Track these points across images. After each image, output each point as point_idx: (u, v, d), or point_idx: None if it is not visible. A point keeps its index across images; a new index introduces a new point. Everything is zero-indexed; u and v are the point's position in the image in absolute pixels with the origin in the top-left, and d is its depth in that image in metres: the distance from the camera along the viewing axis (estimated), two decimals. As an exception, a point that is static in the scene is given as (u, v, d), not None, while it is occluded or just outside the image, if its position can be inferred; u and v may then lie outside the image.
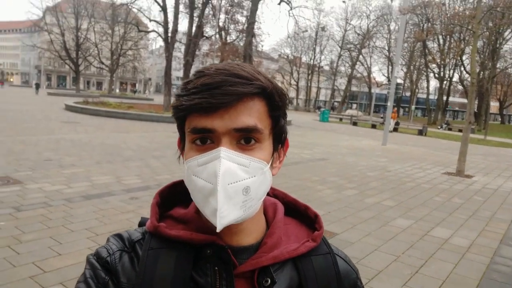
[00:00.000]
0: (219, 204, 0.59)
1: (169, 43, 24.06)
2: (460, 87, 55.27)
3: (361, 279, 0.80)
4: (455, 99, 71.42)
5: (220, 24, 33.90)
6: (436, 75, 49.15)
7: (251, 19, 25.48)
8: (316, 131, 22.69)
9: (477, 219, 6.35)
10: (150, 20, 28.65)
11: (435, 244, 4.99)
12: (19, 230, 4.25)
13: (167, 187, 0.77)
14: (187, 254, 0.66)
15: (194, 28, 25.18)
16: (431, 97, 54.78)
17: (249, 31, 25.40)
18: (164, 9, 24.24)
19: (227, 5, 33.31)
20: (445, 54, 43.45)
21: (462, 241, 5.20)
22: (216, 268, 0.66)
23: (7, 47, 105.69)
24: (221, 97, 0.60)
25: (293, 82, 66.50)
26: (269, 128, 0.66)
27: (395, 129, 27.07)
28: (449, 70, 48.90)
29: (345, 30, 59.98)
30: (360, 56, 59.14)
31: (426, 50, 47.04)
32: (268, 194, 0.74)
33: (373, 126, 30.25)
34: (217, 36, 33.91)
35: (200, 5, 25.95)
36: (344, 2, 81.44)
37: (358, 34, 58.94)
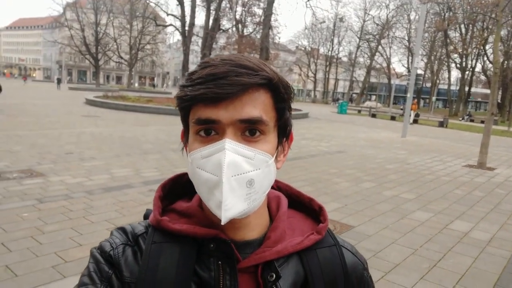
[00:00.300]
0: (224, 196, 0.58)
1: (186, 36, 24.18)
2: (483, 77, 53.85)
3: (369, 271, 0.79)
4: (477, 89, 69.51)
5: (237, 16, 33.86)
6: (458, 65, 47.91)
7: (268, 11, 25.31)
8: (334, 123, 22.49)
9: (498, 213, 6.20)
10: (168, 14, 28.86)
11: (454, 238, 4.91)
12: (41, 221, 4.38)
13: (170, 180, 0.76)
14: (190, 248, 0.66)
15: (211, 22, 25.22)
16: (452, 88, 53.47)
17: (266, 23, 25.24)
18: (181, 2, 24.35)
19: (244, -3, 33.20)
20: (467, 43, 42.29)
21: (483, 235, 5.10)
22: (220, 262, 0.65)
23: (29, 43, 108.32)
24: (227, 87, 0.59)
25: (310, 74, 66.00)
26: (274, 121, 0.65)
27: (415, 121, 26.56)
28: (472, 60, 47.60)
29: (364, 21, 59.10)
30: (379, 47, 58.20)
31: (448, 40, 45.87)
32: (272, 187, 0.73)
33: (393, 118, 29.74)
34: (234, 29, 33.85)
35: (216, -2, 25.94)
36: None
37: (377, 25, 57.97)
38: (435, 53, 51.64)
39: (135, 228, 0.71)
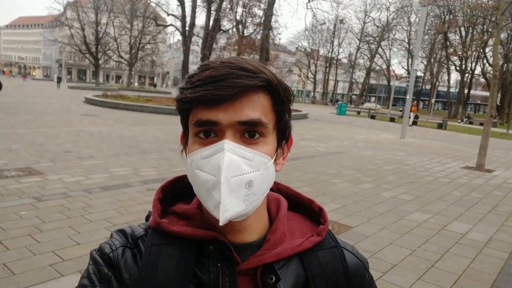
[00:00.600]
0: (222, 197, 0.59)
1: (186, 37, 24.20)
2: (482, 80, 53.90)
3: (369, 270, 0.79)
4: (476, 92, 69.56)
5: (238, 17, 33.89)
6: (458, 67, 47.96)
7: (269, 12, 25.34)
8: (333, 124, 22.51)
9: (496, 214, 6.21)
10: (168, 14, 28.92)
11: (452, 239, 4.92)
12: (39, 219, 4.38)
13: (169, 182, 0.77)
14: (190, 250, 0.66)
15: (211, 22, 25.26)
16: (452, 90, 53.53)
17: (266, 24, 25.28)
18: (181, 3, 24.38)
19: (244, -2, 33.23)
20: (467, 46, 42.35)
21: (480, 236, 5.11)
22: (219, 264, 0.65)
23: (29, 42, 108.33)
24: (226, 89, 0.59)
25: (310, 75, 66.02)
26: (273, 123, 0.65)
27: (414, 123, 26.58)
28: (471, 63, 47.65)
29: (364, 23, 59.13)
30: (379, 49, 58.26)
31: (448, 42, 45.95)
32: (271, 189, 0.74)
33: (392, 120, 29.78)
34: (234, 29, 33.87)
35: (217, -1, 25.97)
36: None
37: (377, 27, 58.01)
38: (435, 55, 51.71)
39: (135, 230, 0.71)
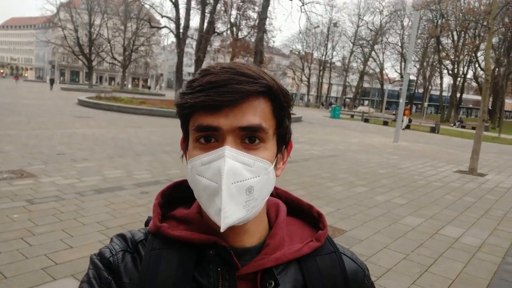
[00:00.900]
0: (223, 204, 0.59)
1: (180, 39, 24.16)
2: (474, 84, 54.45)
3: (370, 276, 0.79)
4: (469, 96, 70.28)
5: (232, 20, 33.92)
6: (450, 71, 48.41)
7: (263, 15, 25.39)
8: (327, 127, 22.59)
9: (489, 218, 6.27)
10: (162, 16, 28.80)
11: (445, 243, 4.94)
12: (32, 222, 4.33)
13: (169, 188, 0.77)
14: (190, 255, 0.66)
15: (205, 24, 25.24)
16: (444, 94, 54.00)
17: (261, 27, 25.33)
18: (176, 5, 24.35)
19: (239, 1, 33.36)
20: (459, 50, 42.74)
21: (473, 240, 5.14)
22: (219, 269, 0.65)
23: (21, 43, 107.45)
24: (227, 95, 0.59)
25: (304, 78, 66.24)
26: (274, 128, 0.65)
27: (407, 127, 26.74)
28: (463, 67, 48.14)
29: (358, 26, 59.53)
30: (373, 52, 58.68)
31: (440, 46, 46.37)
32: (271, 194, 0.74)
33: (385, 123, 29.94)
34: (229, 32, 33.92)
35: (211, 1, 25.98)
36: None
37: (371, 30, 58.46)
38: (427, 59, 52.16)
39: (135, 235, 0.71)
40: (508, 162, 14.07)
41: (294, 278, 0.68)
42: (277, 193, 0.80)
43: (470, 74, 50.01)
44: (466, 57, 44.97)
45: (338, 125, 25.11)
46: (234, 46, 33.18)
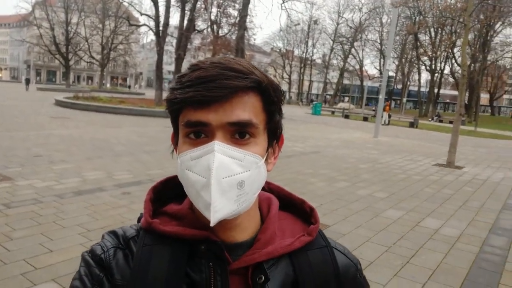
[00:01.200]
0: (213, 198, 0.59)
1: (160, 37, 23.86)
2: (451, 79, 55.78)
3: (362, 271, 0.79)
4: (446, 91, 71.87)
5: (212, 17, 33.71)
6: (428, 67, 49.39)
7: (243, 13, 25.33)
8: (308, 124, 22.75)
9: (467, 210, 6.43)
10: (141, 14, 28.34)
11: (426, 235, 5.05)
12: (9, 227, 4.21)
13: (160, 183, 0.76)
14: (182, 250, 0.66)
15: (185, 22, 24.99)
16: (422, 89, 55.06)
17: (241, 25, 25.25)
18: (155, 2, 24.01)
19: (219, -2, 33.10)
20: (437, 46, 43.68)
21: (452, 231, 5.27)
22: (211, 264, 0.65)
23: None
24: (216, 90, 0.59)
25: (285, 75, 66.43)
26: (264, 123, 0.65)
27: (387, 122, 27.15)
28: (441, 63, 49.18)
29: (338, 24, 60.08)
30: (352, 49, 59.33)
31: (418, 43, 47.23)
32: (263, 189, 0.74)
33: (365, 119, 30.36)
34: (209, 29, 33.69)
35: (191, -1, 25.73)
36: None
37: (350, 27, 59.06)
38: (406, 55, 53.05)
39: (126, 231, 0.71)
40: (484, 155, 14.48)
41: (284, 273, 0.68)
42: (269, 187, 0.80)
43: (447, 70, 51.20)
44: (443, 53, 46.00)
45: (319, 122, 25.32)
46: (215, 44, 33.01)
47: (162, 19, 24.03)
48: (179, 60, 24.07)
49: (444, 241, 4.87)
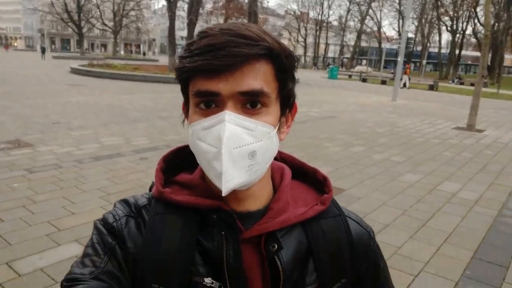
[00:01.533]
0: (224, 168, 0.58)
1: (171, 2, 23.40)
2: (473, 40, 53.55)
3: (375, 239, 0.78)
4: (467, 52, 69.26)
5: (224, -21, 32.72)
6: (449, 28, 47.47)
7: (256, -27, 24.43)
8: (325, 88, 22.39)
9: (486, 173, 6.33)
10: (152, -22, 27.68)
11: (443, 198, 5.01)
12: (32, 191, 4.35)
13: (171, 153, 0.76)
14: (193, 219, 0.66)
15: (197, -15, 24.32)
16: (442, 51, 53.19)
17: (254, -14, 24.43)
18: (165, -35, 23.36)
19: (231, -41, 32.01)
20: (458, 6, 41.73)
21: (470, 195, 5.21)
22: (223, 233, 0.65)
23: (8, 11, 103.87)
24: (226, 58, 0.57)
25: (300, 39, 64.98)
26: (276, 92, 0.63)
27: (405, 85, 26.48)
28: (462, 23, 47.21)
29: (354, -17, 57.57)
30: (370, 10, 57.20)
31: (439, 2, 45.18)
32: (275, 158, 0.73)
33: (383, 82, 29.68)
34: (221, -8, 32.82)
35: (202, -40, 24.91)
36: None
37: (368, -13, 56.58)
38: (426, 16, 50.97)
39: (138, 200, 0.71)
40: (506, 117, 14.08)
41: (298, 241, 0.68)
42: (281, 157, 0.79)
43: (469, 30, 49.21)
44: (465, 13, 43.99)
45: (336, 86, 24.88)
46: (227, 7, 32.29)
47: (173, -17, 23.46)
48: (191, 25, 23.63)
49: (462, 205, 4.83)
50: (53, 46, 78.41)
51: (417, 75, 42.44)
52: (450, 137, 9.34)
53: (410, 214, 4.44)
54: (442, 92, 25.54)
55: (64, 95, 12.56)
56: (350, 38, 65.93)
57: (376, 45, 62.17)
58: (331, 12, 64.65)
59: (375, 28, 59.37)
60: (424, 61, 49.91)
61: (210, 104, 0.60)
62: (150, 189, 0.74)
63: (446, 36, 56.96)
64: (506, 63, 61.31)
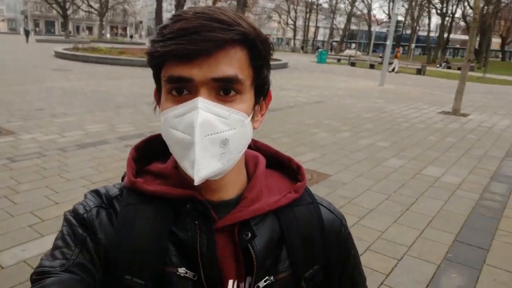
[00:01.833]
0: (197, 156, 0.57)
1: (158, -18, 22.89)
2: (462, 23, 53.68)
3: (347, 226, 0.79)
4: (456, 36, 69.48)
5: (212, -40, 32.03)
6: (439, 11, 47.41)
7: (244, -46, 23.96)
8: (313, 73, 22.32)
9: (469, 157, 6.43)
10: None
11: (427, 183, 5.09)
12: (14, 180, 4.29)
13: (144, 142, 0.75)
14: (166, 209, 0.66)
15: (184, -34, 23.79)
16: (432, 34, 53.22)
17: (242, -32, 23.98)
18: None
19: None
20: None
21: (453, 179, 5.30)
22: (196, 222, 0.65)
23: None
24: (199, 43, 0.55)
25: (290, 21, 64.30)
26: (251, 79, 0.62)
27: (393, 69, 26.52)
28: (452, 6, 47.14)
29: (344, -36, 56.94)
30: (360, -8, 56.67)
31: (429, -16, 44.95)
32: (250, 147, 0.73)
33: (372, 66, 29.68)
34: (209, -27, 32.16)
35: None
36: None
37: (358, -32, 56.04)
38: (416, -2, 50.75)
39: (109, 190, 0.70)
40: (491, 102, 14.26)
41: (271, 229, 0.69)
42: (256, 146, 0.78)
43: (458, 13, 49.21)
44: (455, -5, 43.88)
45: (325, 70, 24.82)
46: (216, -11, 31.66)
47: (159, -37, 22.92)
48: (179, 7, 23.20)
49: (444, 189, 4.91)
50: (37, 29, 76.36)
51: (406, 59, 42.50)
52: (435, 122, 9.43)
53: (394, 198, 4.51)
54: (430, 76, 25.67)
55: (48, 80, 12.31)
56: (340, 21, 65.54)
57: (366, 28, 61.92)
58: (321, -7, 63.78)
59: (365, 11, 59.10)
60: (413, 45, 49.95)
61: (182, 90, 0.59)
62: (123, 179, 0.73)
63: (435, 20, 57.02)
64: (494, 46, 61.68)
